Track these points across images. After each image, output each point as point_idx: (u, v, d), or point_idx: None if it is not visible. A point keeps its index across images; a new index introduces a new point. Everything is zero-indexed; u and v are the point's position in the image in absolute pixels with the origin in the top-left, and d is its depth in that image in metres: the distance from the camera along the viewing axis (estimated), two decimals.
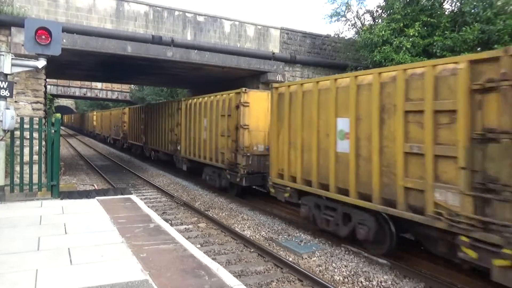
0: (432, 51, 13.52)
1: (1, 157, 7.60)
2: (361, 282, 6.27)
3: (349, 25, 17.40)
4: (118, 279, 4.08)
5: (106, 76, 23.19)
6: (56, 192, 8.19)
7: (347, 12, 16.91)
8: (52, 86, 35.13)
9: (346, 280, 6.38)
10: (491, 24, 12.81)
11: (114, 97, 41.91)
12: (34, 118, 8.77)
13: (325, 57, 17.79)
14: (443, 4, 14.77)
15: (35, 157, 8.86)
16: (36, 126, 8.31)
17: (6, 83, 7.73)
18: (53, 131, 8.10)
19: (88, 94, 40.83)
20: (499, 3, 13.14)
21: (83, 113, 60.19)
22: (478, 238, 5.17)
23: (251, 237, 8.46)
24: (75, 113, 75.78)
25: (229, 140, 12.26)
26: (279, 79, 15.93)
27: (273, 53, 16.02)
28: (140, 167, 21.04)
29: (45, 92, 14.35)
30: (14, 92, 8.78)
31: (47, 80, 15.99)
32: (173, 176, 17.56)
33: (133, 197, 8.81)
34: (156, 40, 13.60)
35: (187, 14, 14.70)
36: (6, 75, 7.83)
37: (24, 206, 7.31)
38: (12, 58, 8.07)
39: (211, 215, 10.39)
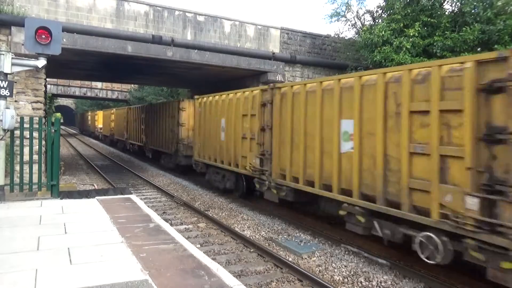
0: (432, 51, 13.51)
1: (1, 157, 7.60)
2: (361, 282, 6.27)
3: (349, 25, 17.40)
4: (118, 279, 4.08)
5: (106, 76, 23.18)
6: (56, 192, 8.19)
7: (347, 12, 16.90)
8: (52, 86, 35.11)
9: (346, 280, 6.38)
10: (491, 24, 12.80)
11: (114, 97, 41.89)
12: (34, 118, 8.77)
13: (325, 57, 17.79)
14: (443, 4, 14.77)
15: (35, 157, 8.86)
16: (36, 126, 8.30)
17: (6, 82, 7.73)
18: (53, 130, 8.10)
19: (88, 94, 40.79)
20: (499, 3, 13.13)
21: (93, 112, 49.37)
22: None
23: (251, 237, 8.46)
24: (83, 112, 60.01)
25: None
26: (279, 79, 15.92)
27: (273, 53, 16.02)
28: (140, 167, 21.03)
29: (45, 92, 14.35)
30: (14, 92, 8.78)
31: (47, 79, 15.99)
32: (173, 176, 17.56)
33: (133, 197, 8.81)
34: (156, 40, 13.59)
35: (187, 14, 14.70)
36: (6, 74, 7.83)
37: (24, 206, 7.31)
38: (12, 58, 8.07)
39: (211, 215, 10.39)
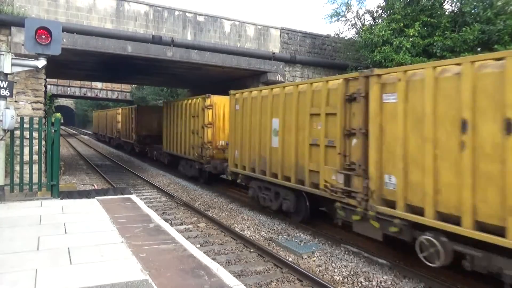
0: (432, 51, 13.53)
1: (1, 157, 7.60)
2: (361, 282, 6.27)
3: (349, 25, 17.44)
4: (118, 279, 4.08)
5: (106, 76, 23.19)
6: (56, 192, 8.19)
7: (347, 12, 16.94)
8: (52, 86, 35.11)
9: (346, 280, 6.38)
10: (491, 24, 12.81)
11: (114, 97, 41.92)
12: (34, 118, 8.77)
13: (325, 57, 17.80)
14: (443, 4, 14.78)
15: (35, 157, 8.86)
16: (36, 126, 8.30)
17: (6, 82, 7.72)
18: (53, 130, 8.10)
19: (88, 94, 40.82)
20: (499, 3, 13.14)
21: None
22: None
23: (251, 237, 8.45)
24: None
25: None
26: (279, 79, 15.93)
27: (273, 53, 16.02)
28: (140, 167, 21.04)
29: (45, 92, 14.35)
30: (14, 92, 8.78)
31: (47, 79, 15.99)
32: (173, 176, 17.55)
33: (133, 197, 8.81)
34: (156, 40, 13.60)
35: (187, 14, 14.71)
36: (6, 74, 7.82)
37: (24, 206, 7.31)
38: (12, 58, 8.06)
39: (211, 215, 10.38)
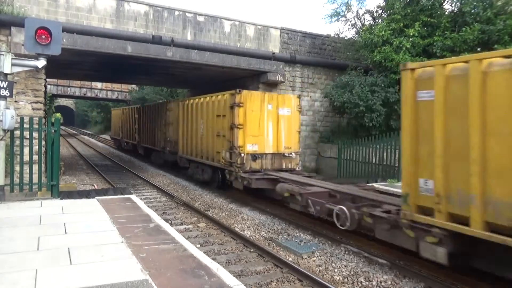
0: (432, 51, 13.53)
1: (1, 157, 7.60)
2: (361, 282, 6.27)
3: (349, 25, 17.48)
4: (118, 279, 4.09)
5: (106, 76, 23.18)
6: (56, 192, 8.19)
7: (347, 12, 16.97)
8: (52, 86, 35.09)
9: (346, 280, 6.38)
10: (491, 24, 12.83)
11: (114, 97, 41.85)
12: (34, 118, 8.78)
13: (325, 57, 17.81)
14: (443, 4, 14.79)
15: (35, 157, 8.86)
16: (36, 126, 8.31)
17: (6, 82, 7.72)
18: (53, 130, 8.11)
19: (88, 94, 40.75)
20: (499, 3, 13.16)
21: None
22: None
23: (251, 237, 8.45)
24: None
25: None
26: (279, 79, 15.94)
27: (273, 53, 16.02)
28: (140, 167, 21.03)
29: (45, 92, 14.36)
30: (14, 92, 8.78)
31: (47, 79, 15.99)
32: (173, 176, 17.55)
33: (133, 197, 8.82)
34: (156, 40, 13.60)
35: (187, 14, 14.71)
36: (6, 74, 7.82)
37: (24, 206, 7.32)
38: (12, 58, 8.06)
39: (211, 215, 10.38)
